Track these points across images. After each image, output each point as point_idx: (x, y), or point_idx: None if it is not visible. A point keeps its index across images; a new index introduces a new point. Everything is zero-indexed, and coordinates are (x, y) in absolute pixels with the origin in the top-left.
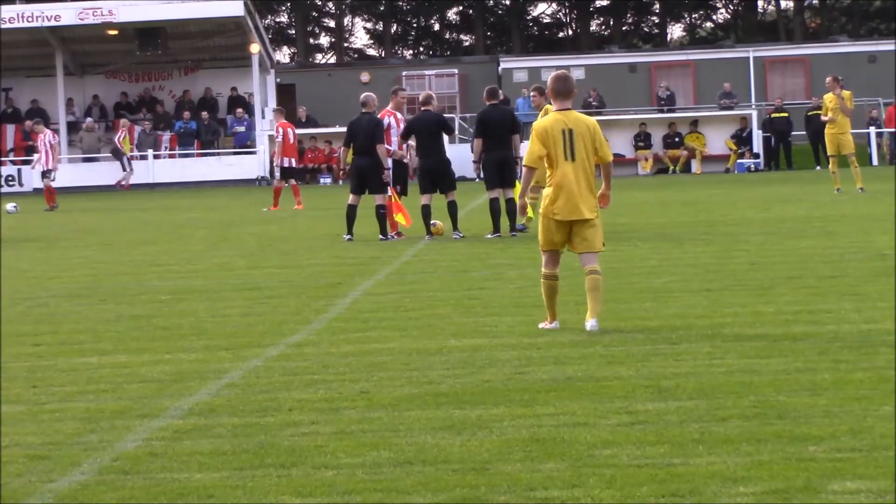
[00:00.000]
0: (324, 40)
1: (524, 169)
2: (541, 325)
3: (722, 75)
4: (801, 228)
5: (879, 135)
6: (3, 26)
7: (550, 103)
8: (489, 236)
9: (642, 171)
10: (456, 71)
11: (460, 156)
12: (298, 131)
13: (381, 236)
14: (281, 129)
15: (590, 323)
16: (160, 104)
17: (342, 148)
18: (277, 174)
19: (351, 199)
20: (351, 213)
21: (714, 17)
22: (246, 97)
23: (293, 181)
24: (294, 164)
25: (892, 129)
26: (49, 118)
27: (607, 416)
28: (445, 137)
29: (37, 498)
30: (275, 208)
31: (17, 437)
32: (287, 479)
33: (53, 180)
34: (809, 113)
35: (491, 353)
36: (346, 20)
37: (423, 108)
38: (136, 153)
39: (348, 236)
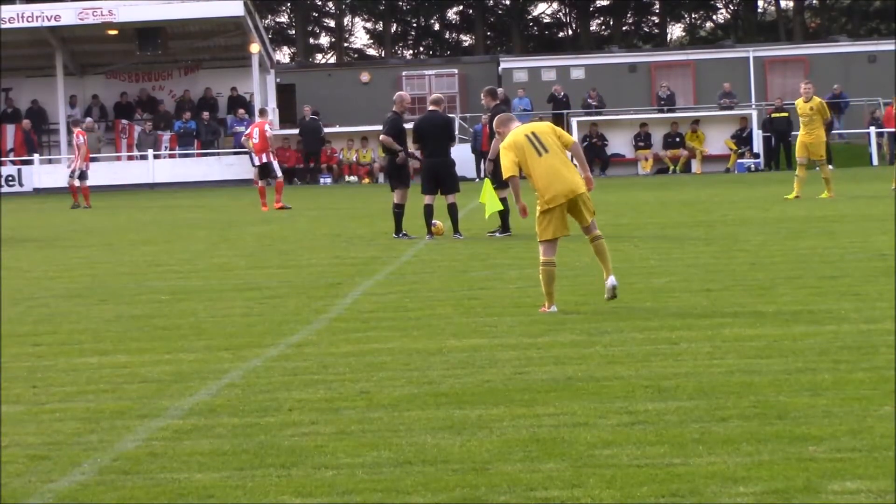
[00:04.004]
0: (324, 40)
1: (509, 181)
2: (541, 310)
3: (722, 75)
4: (801, 228)
5: (880, 135)
6: (3, 26)
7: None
8: (499, 234)
9: (642, 171)
10: (456, 71)
11: (460, 156)
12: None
13: (394, 234)
14: (256, 129)
15: (610, 280)
16: (160, 104)
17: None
18: (257, 174)
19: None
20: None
21: (714, 17)
22: (246, 97)
23: (272, 179)
24: (266, 160)
25: (892, 129)
26: (49, 118)
27: (607, 416)
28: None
29: (37, 498)
30: (265, 209)
31: (17, 437)
32: (287, 479)
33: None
34: None
35: (491, 353)
36: (346, 20)
37: (431, 109)
38: (136, 153)
39: (400, 235)
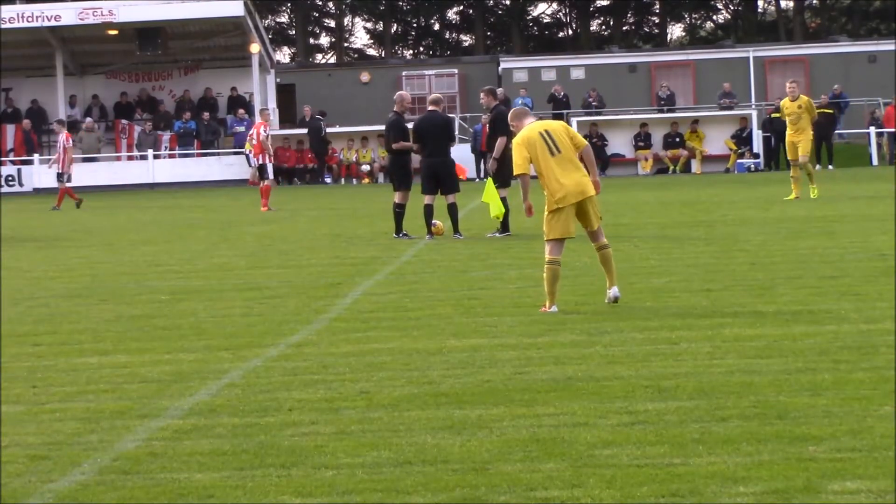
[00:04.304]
0: (324, 40)
1: (520, 178)
2: (541, 310)
3: (722, 75)
4: (801, 228)
5: (880, 135)
6: (3, 26)
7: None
8: (499, 235)
9: (642, 171)
10: (456, 71)
11: (460, 156)
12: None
13: (394, 234)
14: (254, 131)
15: (612, 291)
16: (160, 104)
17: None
18: (256, 174)
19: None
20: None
21: (714, 17)
22: (246, 97)
23: (266, 180)
24: (262, 161)
25: (892, 129)
26: (49, 118)
27: (607, 416)
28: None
29: (37, 498)
30: (265, 209)
31: (17, 437)
32: (287, 479)
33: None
34: (817, 110)
35: (491, 353)
36: (346, 20)
37: (430, 109)
38: (136, 153)
39: (400, 235)
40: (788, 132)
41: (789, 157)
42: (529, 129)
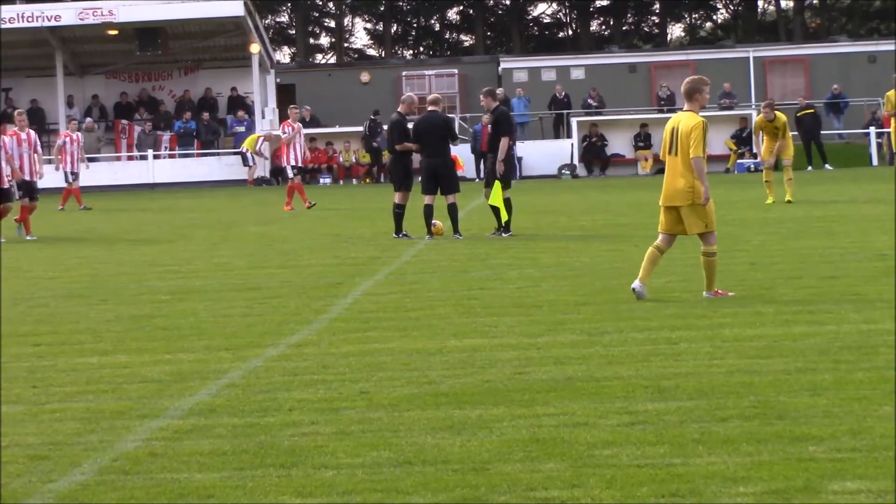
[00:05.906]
0: (324, 40)
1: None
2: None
3: (722, 75)
4: (801, 228)
5: (879, 135)
6: (3, 26)
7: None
8: (505, 235)
9: (642, 171)
10: (456, 71)
11: (460, 156)
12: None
13: (394, 234)
14: (289, 129)
15: (706, 293)
16: (160, 104)
17: None
18: (291, 173)
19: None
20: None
21: (714, 17)
22: (246, 97)
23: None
24: (294, 163)
25: (889, 130)
26: (47, 118)
27: (607, 416)
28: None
29: (37, 498)
30: (288, 208)
31: (17, 437)
32: (287, 479)
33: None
34: (799, 114)
35: (491, 353)
36: (346, 20)
37: (430, 109)
38: (136, 153)
39: (400, 235)
40: (768, 142)
41: (766, 159)
42: (671, 121)
